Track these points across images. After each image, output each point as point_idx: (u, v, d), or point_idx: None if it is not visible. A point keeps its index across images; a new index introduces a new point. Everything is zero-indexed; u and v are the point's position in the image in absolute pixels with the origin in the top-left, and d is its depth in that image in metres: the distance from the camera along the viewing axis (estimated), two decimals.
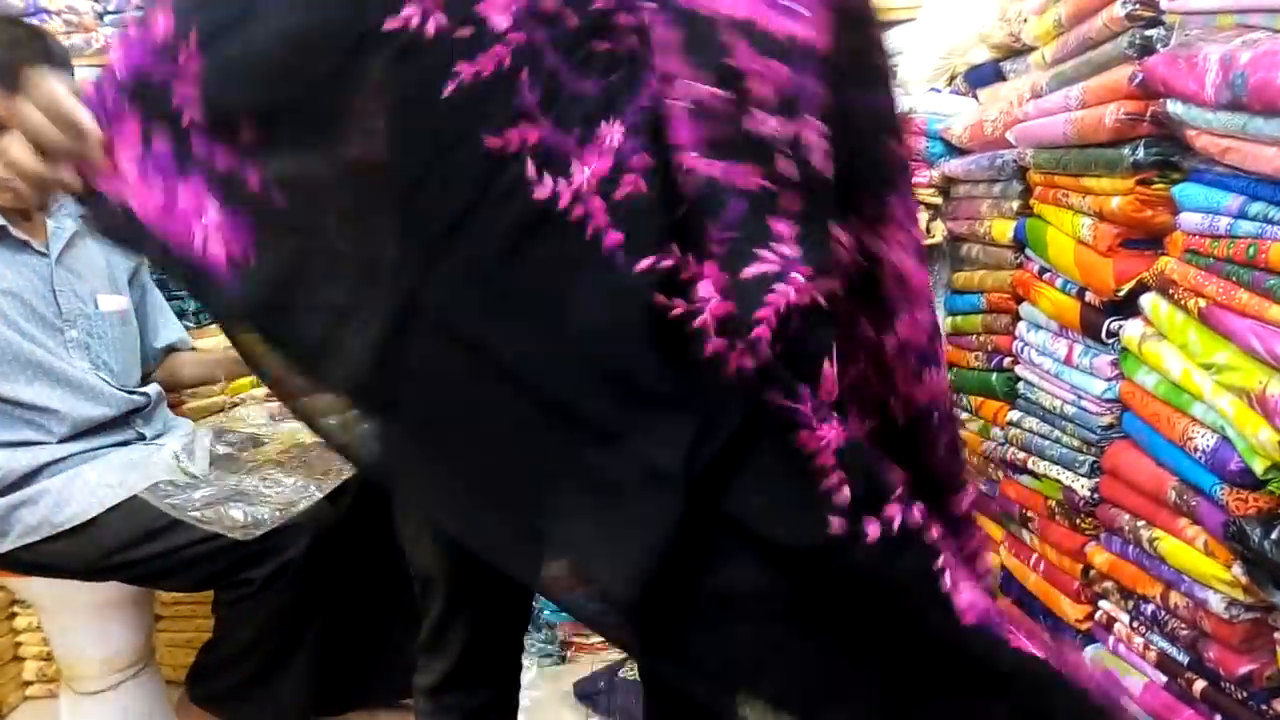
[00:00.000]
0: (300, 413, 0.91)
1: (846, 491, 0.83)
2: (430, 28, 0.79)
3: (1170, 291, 1.26)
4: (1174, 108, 1.21)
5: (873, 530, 0.81)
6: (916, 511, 0.83)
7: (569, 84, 0.82)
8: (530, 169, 0.78)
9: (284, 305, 0.85)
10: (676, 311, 0.80)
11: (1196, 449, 1.17)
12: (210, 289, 0.84)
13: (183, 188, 0.83)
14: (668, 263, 0.81)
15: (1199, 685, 1.23)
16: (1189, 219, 1.24)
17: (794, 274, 0.82)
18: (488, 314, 0.82)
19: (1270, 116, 1.06)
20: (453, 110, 0.79)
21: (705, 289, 0.81)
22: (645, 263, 0.80)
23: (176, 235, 0.83)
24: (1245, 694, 1.18)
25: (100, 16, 2.26)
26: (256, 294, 0.84)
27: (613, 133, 0.81)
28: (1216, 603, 1.17)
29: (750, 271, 0.81)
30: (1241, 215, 1.14)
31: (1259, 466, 1.09)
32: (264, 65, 0.82)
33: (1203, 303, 1.19)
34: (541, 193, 0.79)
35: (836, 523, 0.80)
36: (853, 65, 0.90)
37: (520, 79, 0.80)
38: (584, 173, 0.80)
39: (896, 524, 0.82)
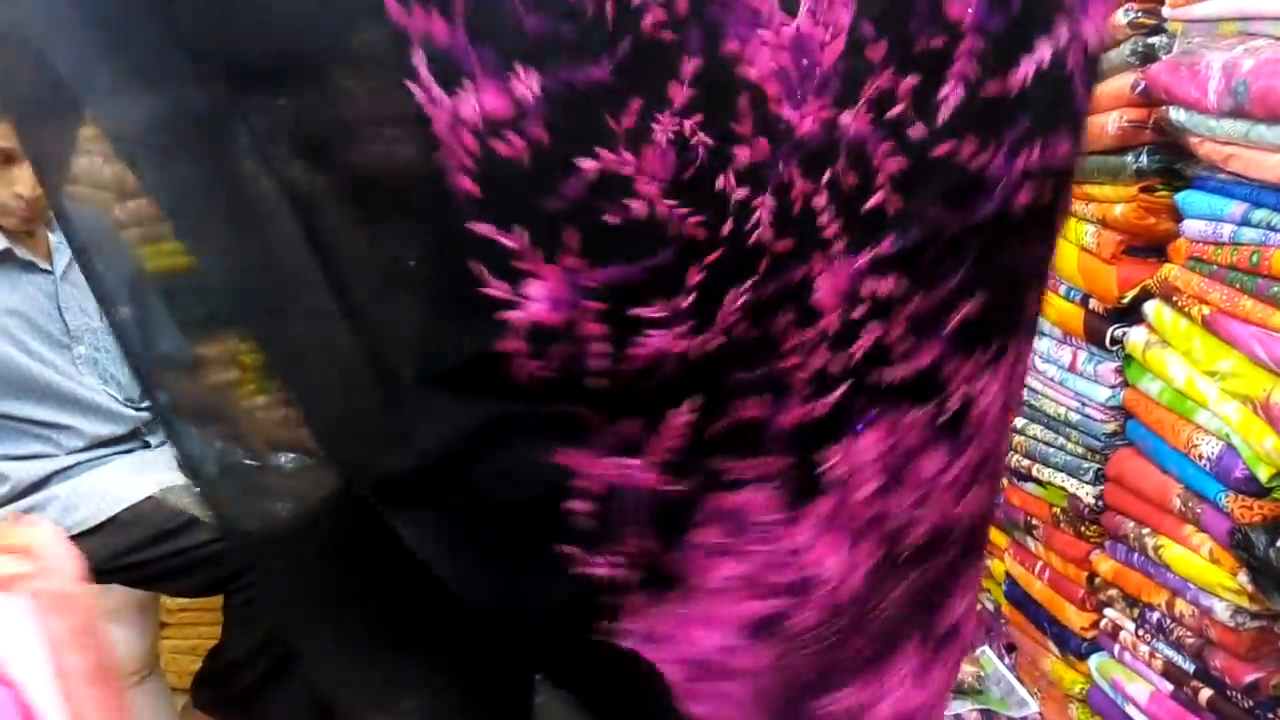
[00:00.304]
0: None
1: (579, 523, 0.87)
2: None
3: (1174, 298, 1.26)
4: (1176, 115, 1.21)
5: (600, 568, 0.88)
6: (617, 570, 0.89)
7: None
8: None
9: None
10: (491, 291, 0.81)
11: (1201, 456, 1.17)
12: None
13: None
14: (509, 241, 0.81)
15: (1205, 694, 1.23)
16: (1192, 226, 1.24)
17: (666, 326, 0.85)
18: None
19: (1273, 124, 1.06)
20: None
21: (536, 289, 0.83)
22: (485, 227, 0.80)
23: None
24: (1251, 702, 1.17)
25: None
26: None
27: None
28: (1222, 611, 1.16)
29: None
30: (1245, 222, 1.14)
31: (1264, 474, 1.08)
32: None
33: (1206, 310, 1.19)
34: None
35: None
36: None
37: None
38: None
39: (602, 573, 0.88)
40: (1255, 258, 1.10)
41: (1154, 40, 1.30)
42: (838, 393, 0.97)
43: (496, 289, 0.82)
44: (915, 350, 0.97)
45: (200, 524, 1.44)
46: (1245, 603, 1.14)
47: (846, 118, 0.88)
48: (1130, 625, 1.37)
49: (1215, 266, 1.18)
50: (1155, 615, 1.31)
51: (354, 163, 0.82)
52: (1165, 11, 1.27)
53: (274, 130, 0.80)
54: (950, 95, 0.88)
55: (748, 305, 0.91)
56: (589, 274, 0.85)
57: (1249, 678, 1.16)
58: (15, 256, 1.49)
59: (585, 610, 0.96)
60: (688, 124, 0.84)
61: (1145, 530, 1.31)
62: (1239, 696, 1.18)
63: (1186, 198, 1.25)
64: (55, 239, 1.55)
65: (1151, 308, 1.30)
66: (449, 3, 0.76)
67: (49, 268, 1.53)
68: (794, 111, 0.87)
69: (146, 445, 1.61)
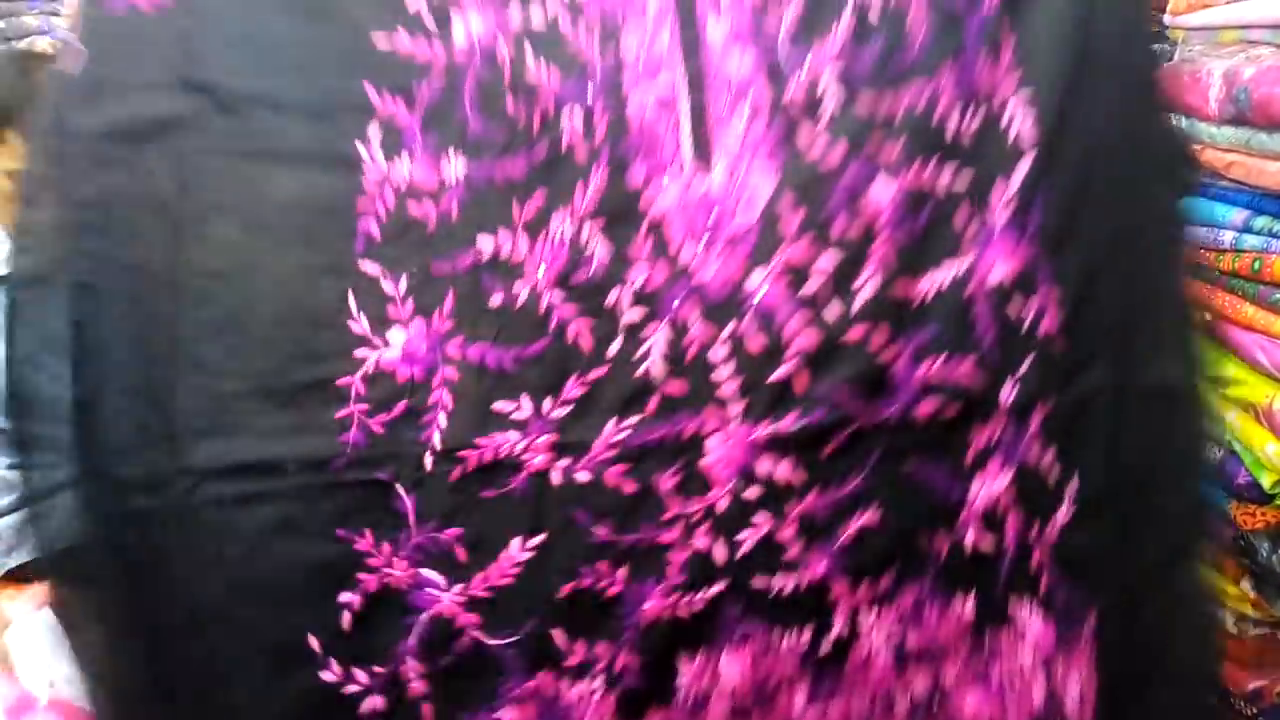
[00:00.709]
0: None
1: (343, 622, 0.87)
2: None
3: None
4: (1177, 122, 1.21)
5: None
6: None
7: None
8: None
9: None
10: (353, 324, 0.89)
11: None
12: None
13: None
14: (387, 285, 0.90)
15: None
16: (1194, 233, 1.24)
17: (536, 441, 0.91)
18: None
19: (1274, 131, 1.06)
20: None
21: (396, 338, 0.90)
22: (372, 266, 0.91)
23: None
24: (1255, 710, 1.17)
25: None
26: None
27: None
28: (1225, 618, 1.16)
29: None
30: (1246, 229, 1.14)
31: (1267, 481, 1.08)
32: None
33: (1208, 316, 1.19)
34: None
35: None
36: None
37: None
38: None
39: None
40: (1257, 265, 1.10)
41: (1155, 48, 1.30)
42: (713, 590, 0.94)
43: (358, 324, 0.89)
44: (804, 559, 0.95)
45: None
46: (1249, 610, 1.14)
47: (754, 280, 0.93)
48: None
49: (1217, 273, 1.18)
50: None
51: (271, 174, 0.90)
52: (1166, 19, 1.28)
53: (227, 137, 0.89)
54: (868, 282, 0.94)
55: (629, 446, 0.91)
56: (456, 342, 0.90)
57: (1253, 685, 1.16)
58: None
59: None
60: (586, 226, 0.92)
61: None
62: (1243, 704, 1.18)
63: (1188, 204, 1.25)
64: None
65: None
66: (414, 98, 0.91)
67: None
68: (693, 256, 0.93)
69: None
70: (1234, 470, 1.12)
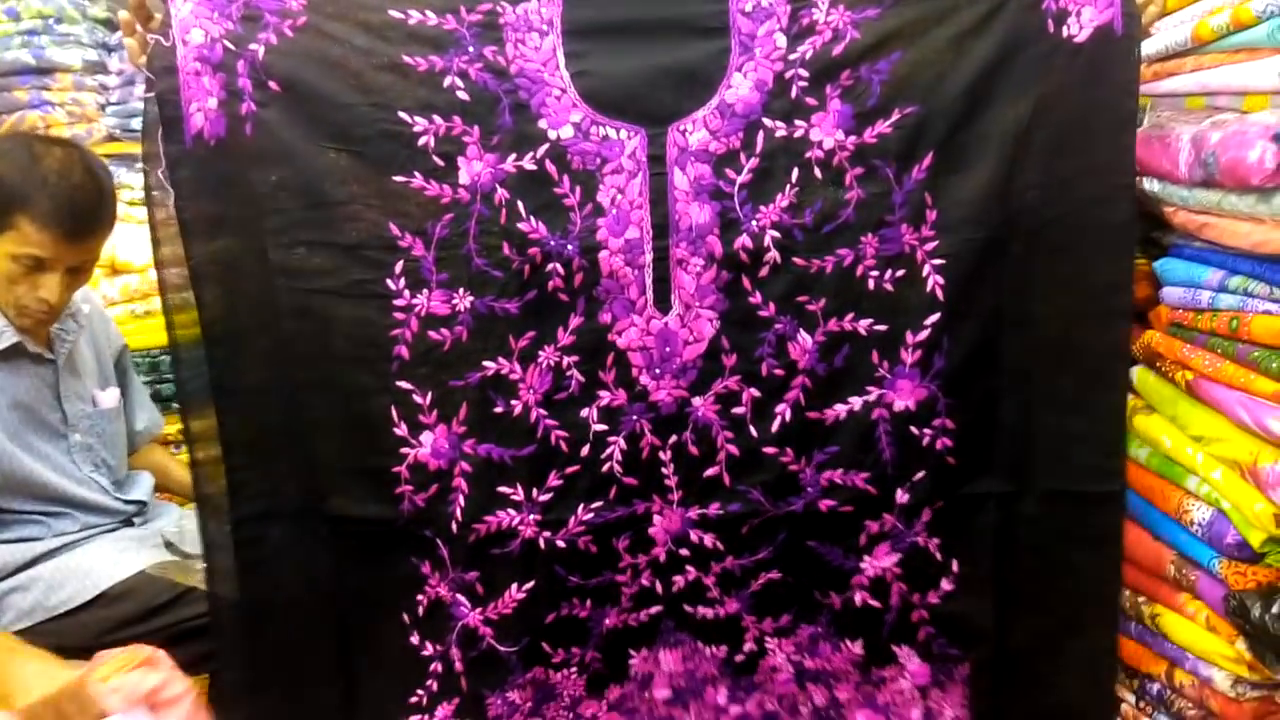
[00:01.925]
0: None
1: (421, 613, 1.26)
2: None
3: (1158, 364, 1.27)
4: (1151, 185, 1.24)
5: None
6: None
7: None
8: None
9: None
10: (397, 429, 1.20)
11: (1193, 522, 1.16)
12: None
13: None
14: (418, 398, 1.19)
15: None
16: (1171, 293, 1.25)
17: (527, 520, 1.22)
18: None
19: (1243, 193, 1.08)
20: None
21: (427, 438, 1.20)
22: (405, 384, 1.20)
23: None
24: None
25: (102, 108, 2.33)
26: None
27: None
28: (1222, 680, 1.14)
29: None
30: (1222, 289, 1.15)
31: (1255, 539, 1.08)
32: None
33: (1190, 375, 1.20)
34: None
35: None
36: None
37: None
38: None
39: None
40: (1234, 323, 1.11)
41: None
42: (654, 611, 1.27)
43: (401, 428, 1.20)
44: (722, 599, 1.26)
45: (190, 598, 1.43)
46: (1244, 671, 1.12)
47: (697, 401, 1.20)
48: (1131, 698, 1.34)
49: (1196, 332, 1.19)
50: (1155, 686, 1.29)
51: (337, 311, 1.18)
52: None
53: (290, 270, 1.16)
54: (782, 413, 1.20)
55: (595, 523, 1.21)
56: (469, 442, 1.21)
57: None
58: (25, 349, 1.48)
59: (411, 673, 1.26)
60: (566, 360, 1.19)
61: (1141, 599, 1.30)
62: None
63: (1165, 265, 1.27)
64: (58, 328, 1.55)
65: (1137, 374, 1.31)
66: (430, 238, 1.16)
67: (52, 357, 1.53)
68: (652, 381, 1.20)
69: (130, 524, 1.59)
70: (1223, 529, 1.12)
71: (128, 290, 2.10)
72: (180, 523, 1.65)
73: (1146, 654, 1.30)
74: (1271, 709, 1.14)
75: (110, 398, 1.61)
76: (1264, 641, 1.07)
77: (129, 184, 2.13)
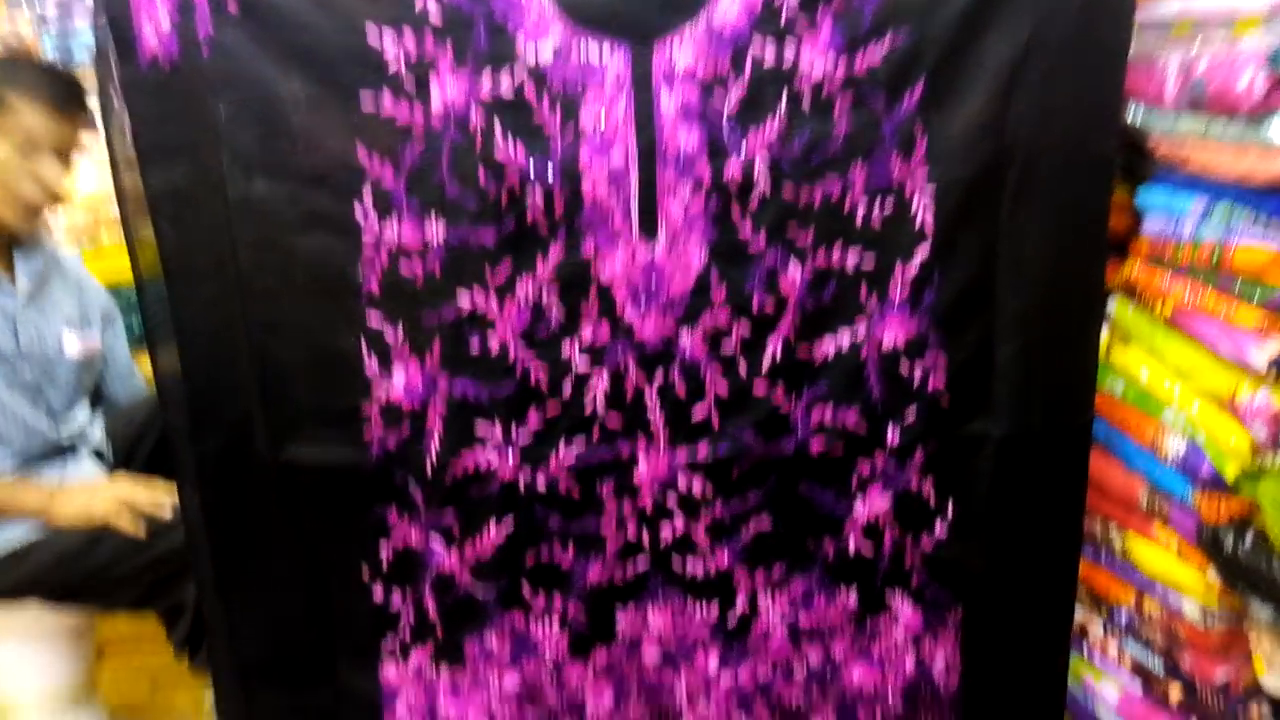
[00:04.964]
0: None
1: (383, 563, 1.22)
2: None
3: (1137, 295, 1.26)
4: (1135, 113, 1.21)
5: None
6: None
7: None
8: None
9: None
10: (367, 365, 1.14)
11: (1167, 454, 1.17)
12: None
13: None
14: (389, 335, 1.13)
15: (1176, 693, 1.23)
16: (1153, 223, 1.23)
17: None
18: None
19: (1231, 121, 1.06)
20: None
21: (399, 375, 1.15)
22: (376, 317, 1.13)
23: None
24: (1222, 701, 1.17)
25: (40, 38, 2.21)
26: None
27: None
28: (1191, 610, 1.16)
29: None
30: (1205, 218, 1.14)
31: (1230, 471, 1.08)
32: None
33: (1169, 306, 1.19)
34: None
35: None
36: None
37: None
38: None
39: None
40: (1216, 254, 1.10)
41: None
42: (640, 566, 1.23)
43: (370, 365, 1.14)
44: (711, 551, 1.22)
45: (112, 539, 1.42)
46: (1214, 601, 1.13)
47: (684, 337, 1.15)
48: (1099, 624, 1.36)
49: (1177, 263, 1.17)
50: (1124, 615, 1.31)
51: (300, 244, 1.10)
52: None
53: (250, 201, 1.09)
54: (772, 349, 1.15)
55: (577, 464, 1.17)
56: (443, 379, 1.15)
57: (1219, 676, 1.16)
58: None
59: (379, 624, 1.24)
60: (545, 293, 1.12)
61: (1113, 528, 1.31)
62: (1210, 695, 1.18)
63: (1146, 195, 1.25)
64: (24, 263, 1.50)
65: (1115, 305, 1.30)
66: (400, 161, 1.07)
67: (11, 287, 1.48)
68: (636, 316, 1.14)
69: (73, 449, 1.56)
70: (1197, 461, 1.12)
71: (74, 225, 2.02)
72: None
73: (1115, 583, 1.31)
74: (1238, 636, 1.16)
75: (78, 347, 1.56)
76: (1236, 573, 1.08)
77: None
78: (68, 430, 1.54)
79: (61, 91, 1.41)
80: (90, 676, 1.65)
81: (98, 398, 1.68)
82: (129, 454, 1.64)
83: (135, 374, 1.75)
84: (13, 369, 1.47)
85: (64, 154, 1.44)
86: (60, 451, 1.55)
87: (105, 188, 1.87)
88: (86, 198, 1.89)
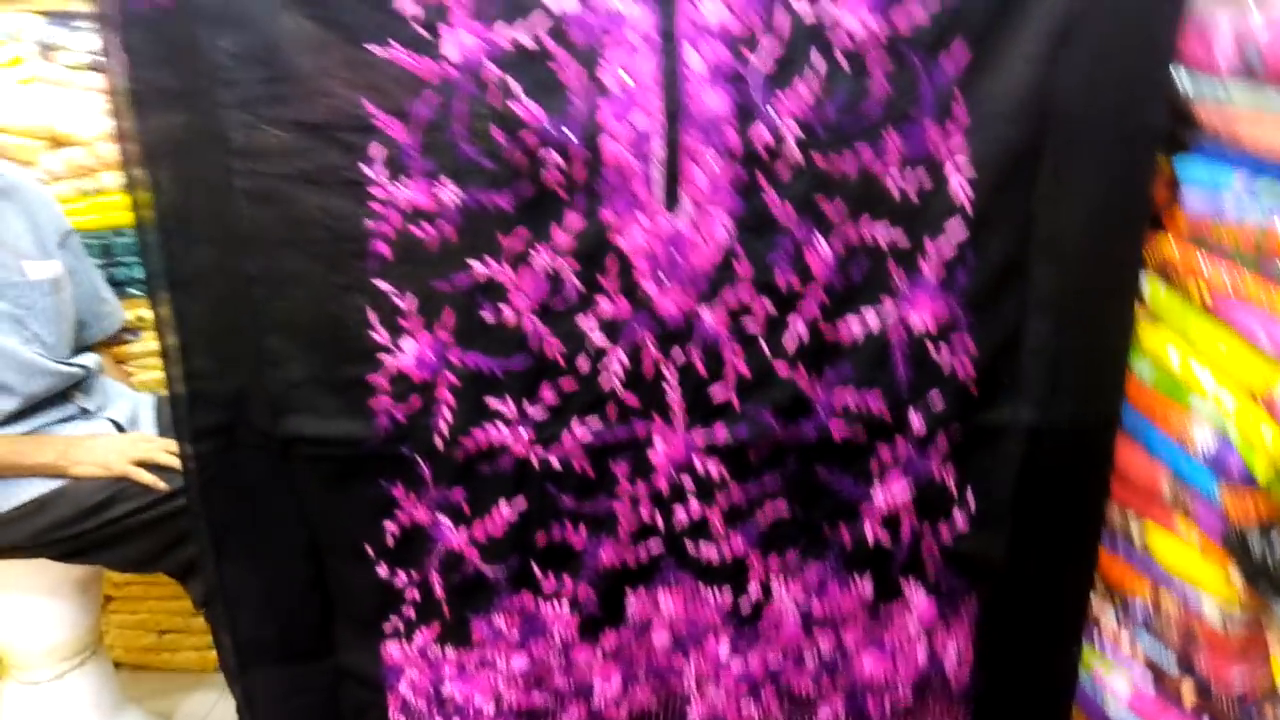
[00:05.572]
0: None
1: (389, 541, 1.18)
2: None
3: (1170, 274, 1.18)
4: (1181, 78, 1.12)
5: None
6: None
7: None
8: None
9: None
10: (375, 334, 1.08)
11: (1195, 446, 1.10)
12: None
13: None
14: (400, 301, 1.08)
15: (1189, 690, 1.18)
16: (1193, 198, 1.15)
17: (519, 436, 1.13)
18: None
19: None
20: None
21: (409, 346, 1.09)
22: (385, 285, 1.08)
23: None
24: (1236, 701, 1.12)
25: None
26: None
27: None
28: (1211, 610, 1.11)
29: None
30: (1250, 194, 1.05)
31: (1261, 470, 1.02)
32: None
33: (1205, 289, 1.11)
34: None
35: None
36: None
37: None
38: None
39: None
40: (1260, 237, 1.02)
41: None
42: (654, 549, 1.19)
43: (380, 334, 1.08)
44: (726, 535, 1.18)
45: (126, 496, 1.39)
46: (1235, 602, 1.08)
47: (705, 313, 1.08)
48: (1112, 615, 1.31)
49: (1217, 245, 1.10)
50: (1139, 606, 1.25)
51: (303, 199, 1.03)
52: None
53: (252, 151, 1.02)
54: (796, 328, 1.09)
55: (592, 445, 1.12)
56: (455, 351, 1.09)
57: (1236, 678, 1.11)
58: None
59: (382, 603, 1.20)
60: (562, 262, 1.06)
61: (1131, 516, 1.25)
62: (1225, 697, 1.13)
63: (1185, 166, 1.16)
64: None
65: (1145, 282, 1.22)
66: (410, 117, 1.01)
67: None
68: (656, 289, 1.08)
69: (85, 412, 1.52)
70: (1227, 456, 1.06)
71: (73, 165, 1.96)
72: (133, 409, 1.58)
73: (1132, 574, 1.26)
74: (1256, 636, 1.11)
75: (42, 270, 1.50)
76: (1261, 576, 1.02)
77: (64, 45, 1.96)
78: (70, 368, 1.51)
79: None
80: (97, 629, 1.65)
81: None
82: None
83: (105, 298, 1.69)
84: None
85: None
86: (76, 410, 1.52)
87: (106, 127, 1.82)
88: (92, 137, 1.83)
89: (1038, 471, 1.16)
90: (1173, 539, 1.17)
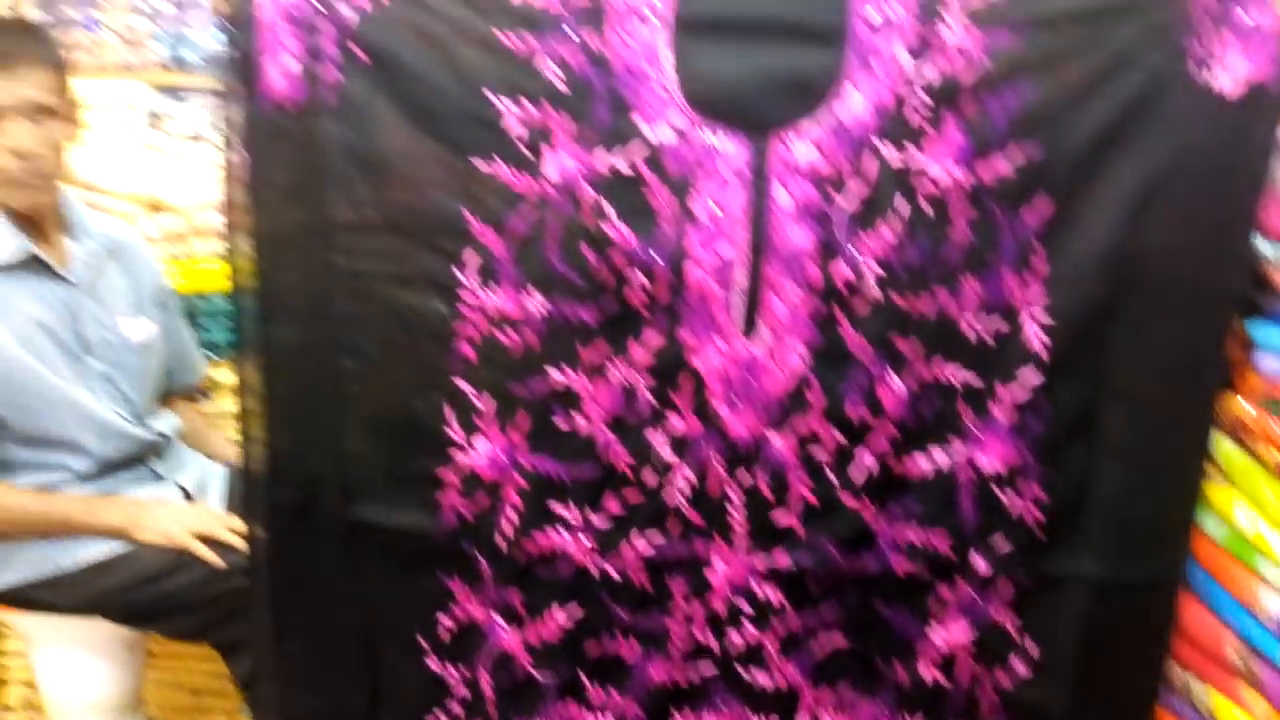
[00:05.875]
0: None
1: (443, 635, 1.19)
2: None
3: (1241, 436, 1.18)
4: (1262, 243, 1.14)
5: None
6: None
7: None
8: None
9: None
10: (450, 430, 1.13)
11: (1267, 614, 1.08)
12: None
13: None
14: (478, 402, 1.12)
15: None
16: (1266, 360, 1.16)
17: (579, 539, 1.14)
18: None
19: None
20: None
21: (481, 445, 1.12)
22: (466, 385, 1.11)
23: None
24: None
25: (154, 35, 2.27)
26: None
27: None
28: None
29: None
30: None
31: None
32: None
33: (1278, 453, 1.11)
34: None
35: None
36: None
37: None
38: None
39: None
40: None
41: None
42: (705, 671, 1.18)
43: (455, 431, 1.12)
44: (780, 664, 1.17)
45: (188, 567, 1.39)
46: None
47: (775, 438, 1.10)
48: None
49: None
50: None
51: (397, 299, 1.09)
52: None
53: (353, 248, 1.09)
54: (865, 461, 1.10)
55: (652, 559, 1.13)
56: (525, 454, 1.12)
57: None
58: (40, 262, 1.43)
59: (429, 697, 1.20)
60: (638, 377, 1.10)
61: (1191, 678, 1.22)
62: None
63: (1261, 329, 1.17)
64: (77, 247, 1.49)
65: (1216, 442, 1.22)
66: (505, 228, 1.07)
67: (68, 276, 1.47)
68: (727, 410, 1.09)
69: (156, 476, 1.55)
70: None
71: (168, 231, 2.05)
72: (203, 478, 1.61)
73: None
74: None
75: (139, 330, 1.56)
76: None
77: (171, 115, 2.08)
78: (149, 431, 1.54)
79: None
80: (137, 688, 1.65)
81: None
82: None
83: (191, 353, 1.74)
84: (78, 361, 1.46)
85: (23, 113, 1.34)
86: (148, 473, 1.55)
87: (202, 197, 1.90)
88: (189, 206, 1.93)
89: (1101, 625, 1.15)
90: (1238, 709, 1.14)
